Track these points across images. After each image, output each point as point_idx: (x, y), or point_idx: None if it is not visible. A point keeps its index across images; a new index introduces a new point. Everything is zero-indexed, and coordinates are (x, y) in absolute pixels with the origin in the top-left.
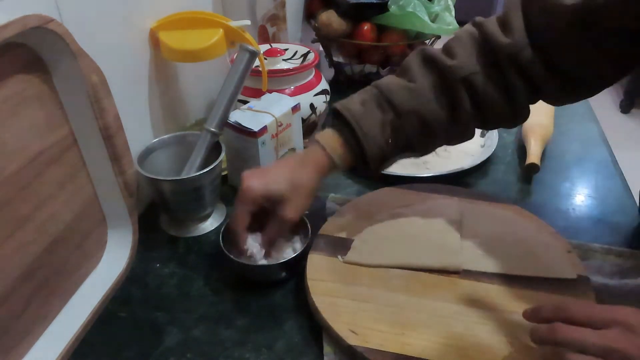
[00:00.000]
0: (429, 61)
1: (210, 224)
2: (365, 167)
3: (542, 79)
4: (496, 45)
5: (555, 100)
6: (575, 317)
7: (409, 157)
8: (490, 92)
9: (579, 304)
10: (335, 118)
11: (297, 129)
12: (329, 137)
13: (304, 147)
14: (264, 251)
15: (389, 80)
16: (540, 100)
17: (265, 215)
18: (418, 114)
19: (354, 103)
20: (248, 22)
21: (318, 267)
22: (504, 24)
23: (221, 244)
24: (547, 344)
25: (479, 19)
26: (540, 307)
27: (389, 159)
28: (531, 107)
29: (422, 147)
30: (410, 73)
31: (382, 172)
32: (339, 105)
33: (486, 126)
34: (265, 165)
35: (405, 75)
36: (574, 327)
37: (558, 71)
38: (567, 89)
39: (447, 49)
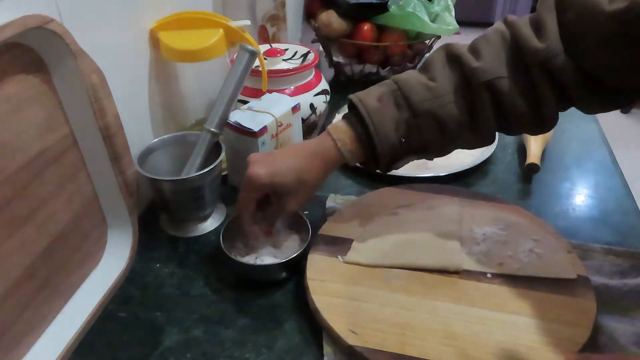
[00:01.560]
0: (453, 60)
1: (210, 224)
2: (375, 165)
3: (575, 87)
4: (529, 50)
5: (587, 109)
6: None
7: (422, 158)
8: (516, 98)
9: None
10: (350, 110)
11: (297, 129)
12: (341, 130)
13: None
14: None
15: (409, 76)
16: None
17: (267, 198)
18: (435, 116)
19: (371, 97)
20: (248, 22)
21: (318, 267)
22: (538, 27)
23: (221, 244)
24: None
25: (510, 18)
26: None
27: (400, 159)
28: None
29: (436, 149)
30: (433, 70)
31: (389, 172)
32: (355, 97)
33: (509, 132)
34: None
35: (427, 72)
36: None
37: (593, 80)
38: (601, 99)
39: (474, 48)
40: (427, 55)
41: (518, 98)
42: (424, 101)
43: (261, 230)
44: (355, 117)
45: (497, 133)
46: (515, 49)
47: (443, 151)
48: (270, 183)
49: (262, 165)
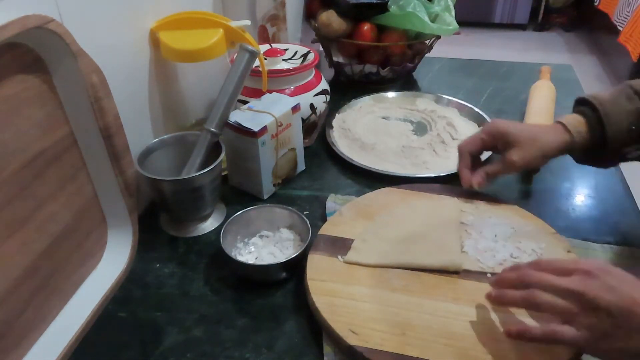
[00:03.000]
0: None
1: (210, 224)
2: (602, 149)
3: None
4: None
5: None
6: (545, 269)
7: None
8: None
9: (550, 259)
10: (581, 105)
11: (297, 129)
12: (572, 118)
13: (304, 146)
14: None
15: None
16: (539, 101)
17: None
18: None
19: (602, 94)
20: (248, 22)
21: (318, 267)
22: None
23: (221, 244)
24: (517, 287)
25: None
26: (517, 264)
27: (628, 147)
28: (530, 107)
29: None
30: None
31: (615, 163)
32: (586, 95)
33: None
34: (266, 165)
35: None
36: (539, 272)
37: None
38: None
39: None
40: (427, 55)
41: None
42: None
43: (475, 179)
44: (587, 107)
45: None
46: None
47: None
48: (505, 130)
49: (504, 120)
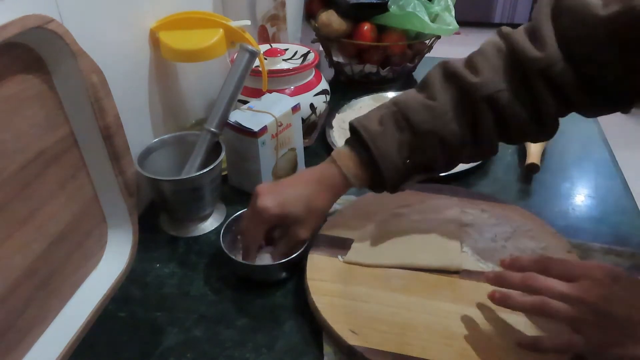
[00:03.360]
0: (451, 77)
1: (210, 224)
2: (381, 187)
3: (575, 93)
4: (526, 60)
5: (588, 112)
6: (551, 269)
7: (427, 176)
8: (516, 109)
9: (555, 259)
10: (352, 135)
11: (297, 129)
12: (345, 156)
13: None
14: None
15: (408, 97)
16: None
17: (272, 228)
18: (437, 135)
19: (372, 121)
20: (248, 22)
21: (318, 267)
22: (534, 36)
23: (221, 244)
24: (521, 290)
25: (505, 29)
26: (519, 257)
27: (406, 179)
28: None
29: (442, 167)
30: (431, 89)
31: (397, 192)
32: (355, 122)
33: (510, 142)
34: (266, 165)
35: (425, 91)
36: (547, 277)
37: (593, 85)
38: (602, 103)
39: (471, 64)
40: (427, 55)
41: (519, 108)
42: (425, 121)
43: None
44: (358, 142)
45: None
46: (513, 60)
47: (447, 167)
48: (279, 214)
49: (270, 197)
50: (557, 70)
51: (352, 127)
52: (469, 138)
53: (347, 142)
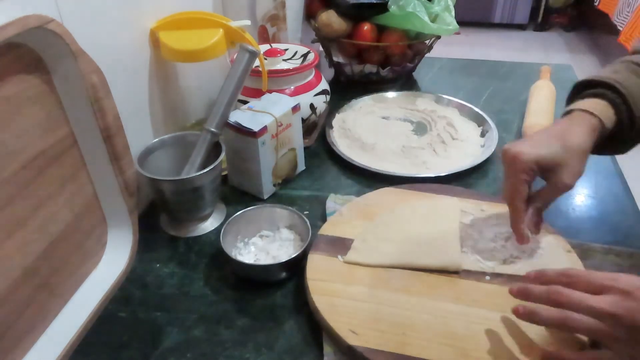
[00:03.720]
0: None
1: (210, 224)
2: (630, 131)
3: None
4: None
5: None
6: (576, 282)
7: None
8: None
9: (581, 271)
10: (588, 88)
11: (297, 129)
12: (591, 103)
13: (304, 146)
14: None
15: (633, 55)
16: (539, 101)
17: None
18: None
19: (607, 72)
20: (248, 22)
21: (318, 267)
22: None
23: (221, 244)
24: (546, 304)
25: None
26: (545, 270)
27: None
28: (531, 107)
29: None
30: None
31: (633, 145)
32: (591, 76)
33: None
34: (266, 165)
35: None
36: (573, 290)
37: None
38: None
39: None
40: (427, 55)
41: None
42: None
43: (533, 226)
44: (600, 90)
45: (496, 132)
46: None
47: None
48: (536, 157)
49: (523, 144)
50: None
51: (586, 81)
52: None
53: (584, 95)
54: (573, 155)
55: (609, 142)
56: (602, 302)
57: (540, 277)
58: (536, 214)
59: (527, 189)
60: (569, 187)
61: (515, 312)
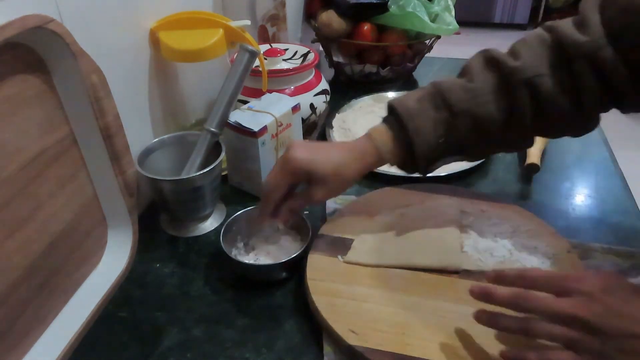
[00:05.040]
0: (491, 62)
1: (210, 224)
2: (413, 166)
3: (621, 81)
4: (571, 44)
5: (630, 106)
6: (538, 284)
7: (460, 160)
8: (557, 96)
9: (541, 271)
10: (389, 114)
11: (297, 129)
12: (380, 131)
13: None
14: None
15: (448, 80)
16: None
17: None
18: (473, 115)
19: (409, 100)
20: (248, 22)
21: (318, 267)
22: (580, 24)
23: (221, 244)
24: (510, 309)
25: (549, 23)
26: (504, 271)
27: (438, 159)
28: None
29: (474, 151)
30: (471, 73)
31: (428, 173)
32: (394, 100)
33: (547, 134)
34: (266, 165)
35: (465, 75)
36: (537, 294)
37: (638, 75)
38: None
39: (512, 51)
40: (427, 55)
41: (559, 96)
42: (462, 101)
43: (280, 217)
44: (394, 118)
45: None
46: (557, 47)
47: (481, 152)
48: (307, 167)
49: (303, 151)
50: (603, 56)
51: (390, 105)
52: (504, 123)
53: (384, 120)
54: (338, 181)
55: (397, 166)
56: (567, 306)
57: (501, 278)
58: (290, 212)
59: (286, 188)
60: (317, 201)
61: (478, 318)
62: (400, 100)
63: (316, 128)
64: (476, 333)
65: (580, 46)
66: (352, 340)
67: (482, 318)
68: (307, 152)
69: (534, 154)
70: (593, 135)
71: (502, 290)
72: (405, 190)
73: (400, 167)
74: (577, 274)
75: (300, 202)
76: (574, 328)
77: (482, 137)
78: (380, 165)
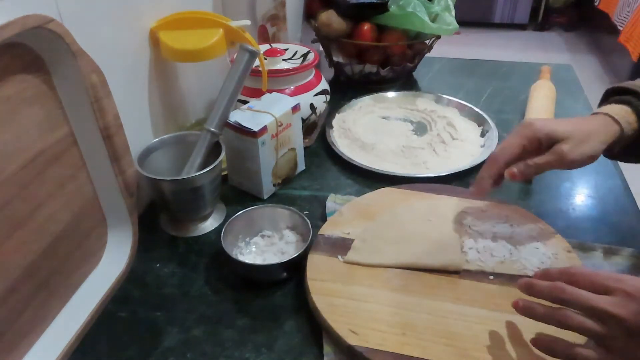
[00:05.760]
0: None
1: (210, 224)
2: None
3: None
4: None
5: None
6: (580, 280)
7: None
8: None
9: (585, 269)
10: (616, 94)
11: (297, 129)
12: (617, 109)
13: (304, 146)
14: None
15: None
16: (539, 101)
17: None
18: None
19: (638, 81)
20: (248, 22)
21: (318, 267)
22: None
23: (222, 243)
24: (548, 300)
25: None
26: (548, 269)
27: None
28: (531, 107)
29: None
30: None
31: None
32: (622, 83)
33: None
34: (266, 165)
35: None
36: (577, 288)
37: None
38: None
39: None
40: (427, 55)
41: None
42: None
43: (515, 170)
44: (627, 97)
45: (496, 132)
46: None
47: None
48: (549, 130)
49: (542, 119)
50: None
51: (616, 88)
52: None
53: (609, 102)
54: (585, 138)
55: (631, 149)
56: (605, 302)
57: (545, 275)
58: (530, 170)
59: (518, 152)
60: (567, 157)
61: (515, 305)
62: (629, 83)
63: (316, 128)
64: (476, 333)
65: None
66: (352, 340)
67: (519, 305)
68: (546, 120)
69: None
70: None
71: (543, 282)
72: (405, 190)
73: (634, 144)
74: (619, 274)
75: (549, 159)
76: (609, 325)
77: None
78: (619, 140)
